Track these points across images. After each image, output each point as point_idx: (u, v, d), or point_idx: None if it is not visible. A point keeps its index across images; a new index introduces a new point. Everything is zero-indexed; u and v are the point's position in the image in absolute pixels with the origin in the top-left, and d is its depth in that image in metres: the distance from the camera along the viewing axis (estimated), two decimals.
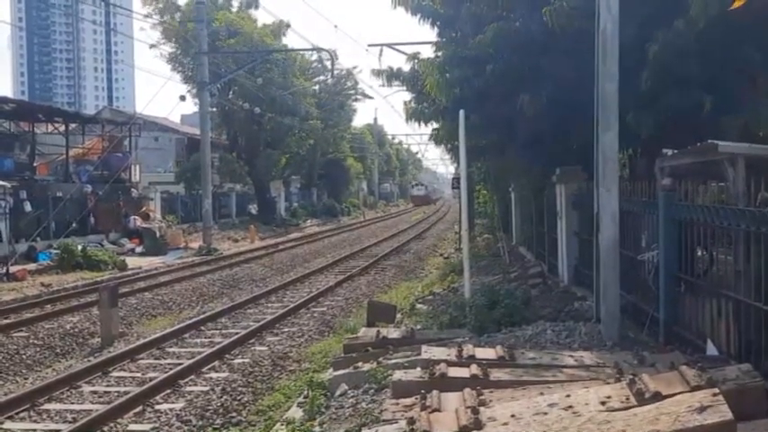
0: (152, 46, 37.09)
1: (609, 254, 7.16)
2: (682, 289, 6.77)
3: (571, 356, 5.95)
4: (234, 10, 39.74)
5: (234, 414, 7.67)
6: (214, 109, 36.18)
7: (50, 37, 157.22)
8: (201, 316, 13.15)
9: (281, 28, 40.03)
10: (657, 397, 3.85)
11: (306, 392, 7.13)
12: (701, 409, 3.58)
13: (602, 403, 3.96)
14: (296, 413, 6.60)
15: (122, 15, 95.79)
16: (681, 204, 6.57)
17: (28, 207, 22.21)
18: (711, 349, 5.85)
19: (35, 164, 28.05)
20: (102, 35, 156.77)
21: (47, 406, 7.98)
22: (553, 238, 12.69)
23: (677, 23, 7.78)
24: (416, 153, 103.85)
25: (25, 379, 9.54)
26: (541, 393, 4.41)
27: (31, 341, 11.19)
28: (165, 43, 37.06)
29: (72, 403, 8.14)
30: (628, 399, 3.97)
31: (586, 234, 9.80)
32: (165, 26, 35.99)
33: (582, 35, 8.24)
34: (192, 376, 9.04)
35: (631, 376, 4.24)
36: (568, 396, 4.14)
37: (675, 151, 7.30)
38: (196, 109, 34.32)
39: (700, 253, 6.66)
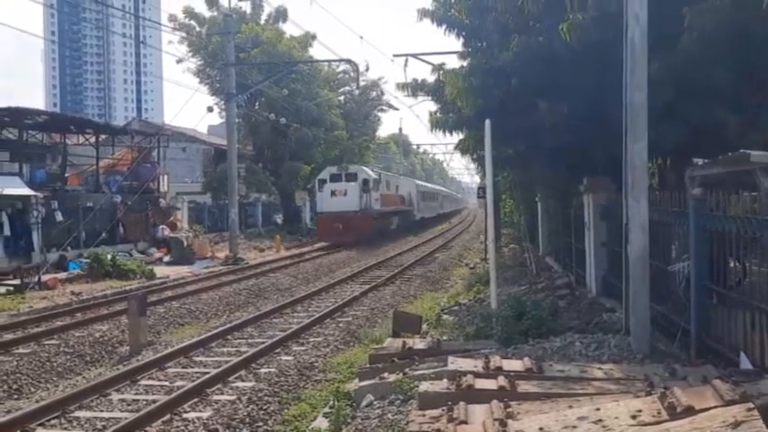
0: (179, 61, 37.83)
1: (638, 265, 7.06)
2: (714, 301, 6.66)
3: (600, 369, 5.88)
4: (262, 23, 40.31)
5: (260, 423, 7.69)
6: (240, 120, 36.62)
7: (81, 50, 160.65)
8: (228, 325, 13.24)
9: (307, 40, 40.46)
10: (690, 411, 3.77)
11: (332, 403, 7.13)
12: (736, 425, 3.51)
13: (633, 417, 3.89)
14: (322, 423, 6.61)
15: (151, 28, 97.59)
16: (712, 214, 6.47)
17: (59, 217, 22.65)
18: (745, 362, 5.73)
19: (66, 174, 28.61)
20: (132, 48, 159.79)
21: (77, 413, 8.09)
22: (581, 248, 12.56)
23: (690, 32, 7.74)
24: (442, 162, 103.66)
25: (56, 386, 9.69)
26: (570, 406, 4.36)
27: (61, 349, 11.36)
28: (192, 56, 37.74)
29: (101, 411, 8.23)
30: (659, 413, 3.90)
31: (615, 245, 9.68)
32: (192, 40, 36.65)
33: (604, 46, 8.21)
34: (219, 385, 9.09)
35: (663, 390, 4.17)
36: (598, 409, 4.08)
37: (706, 161, 7.20)
38: (223, 120, 34.79)
39: (732, 264, 6.54)
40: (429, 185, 66.37)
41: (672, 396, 3.98)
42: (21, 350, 11.26)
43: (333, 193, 34.05)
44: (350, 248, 30.33)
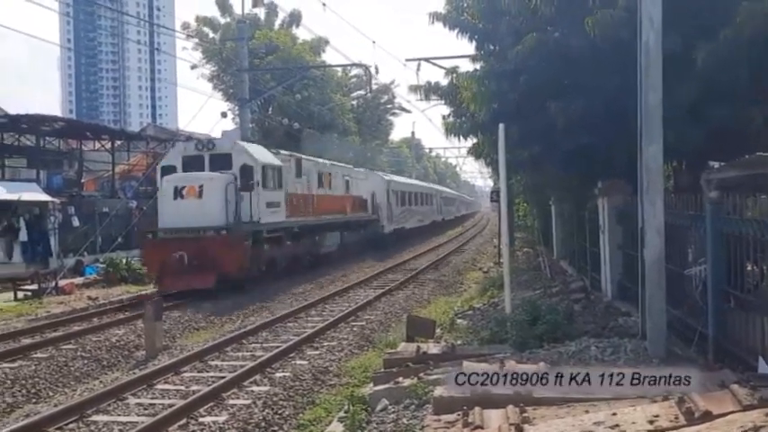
0: (193, 67, 38.16)
1: (654, 268, 7.02)
2: (731, 304, 6.60)
3: None
4: (275, 28, 40.55)
5: (275, 428, 7.69)
6: (254, 125, 36.81)
7: (97, 57, 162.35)
8: (243, 329, 13.28)
9: (319, 44, 40.64)
10: (708, 416, 3.75)
11: (346, 407, 7.14)
12: (755, 430, 3.48)
13: (650, 422, 3.87)
14: (337, 428, 6.63)
15: (165, 35, 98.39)
16: (729, 218, 6.42)
17: (76, 222, 22.91)
18: (763, 367, 5.67)
19: (83, 180, 28.96)
20: (147, 54, 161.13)
21: (94, 417, 8.14)
22: (595, 252, 12.49)
23: (724, 32, 7.66)
24: (455, 166, 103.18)
25: (74, 390, 9.76)
26: (587, 411, 4.34)
27: (78, 353, 11.46)
28: (207, 62, 38.04)
29: (119, 415, 8.29)
30: (677, 418, 3.88)
31: (631, 248, 9.62)
32: (205, 46, 36.97)
33: (623, 47, 8.16)
34: (235, 389, 9.11)
35: (680, 395, 4.15)
36: (615, 414, 4.07)
37: (722, 164, 7.16)
38: (236, 125, 34.94)
39: (750, 267, 6.49)
40: (413, 182, 44.59)
41: (689, 401, 3.96)
42: (39, 355, 11.37)
43: (178, 193, 17.78)
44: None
